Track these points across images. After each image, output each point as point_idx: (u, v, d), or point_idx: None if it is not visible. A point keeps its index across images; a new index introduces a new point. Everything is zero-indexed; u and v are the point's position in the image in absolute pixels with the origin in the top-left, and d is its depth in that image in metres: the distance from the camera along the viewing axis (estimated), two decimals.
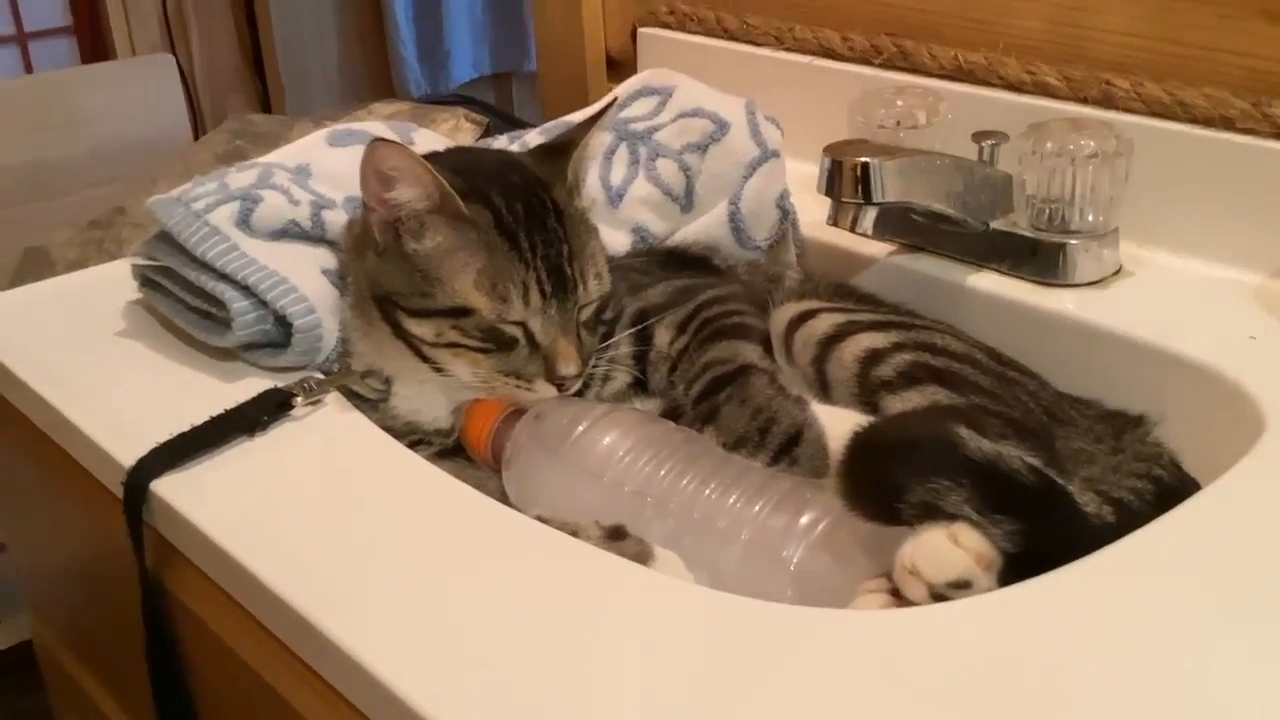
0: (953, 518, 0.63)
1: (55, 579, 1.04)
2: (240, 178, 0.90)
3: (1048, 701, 0.55)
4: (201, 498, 0.73)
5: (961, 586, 0.62)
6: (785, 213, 1.01)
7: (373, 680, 0.59)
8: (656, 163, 1.01)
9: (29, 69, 2.30)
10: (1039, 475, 0.64)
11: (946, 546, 0.62)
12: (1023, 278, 0.94)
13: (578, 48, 1.35)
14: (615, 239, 0.99)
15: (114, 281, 0.96)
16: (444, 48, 2.43)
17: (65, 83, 2.20)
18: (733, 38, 1.24)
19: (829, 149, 0.89)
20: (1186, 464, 0.78)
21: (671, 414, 0.83)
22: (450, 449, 0.84)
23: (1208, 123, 0.93)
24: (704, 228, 1.01)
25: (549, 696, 0.57)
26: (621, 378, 0.85)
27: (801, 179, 1.00)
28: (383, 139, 0.78)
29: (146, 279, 0.92)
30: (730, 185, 1.00)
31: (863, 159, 0.87)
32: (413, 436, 0.84)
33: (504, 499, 0.79)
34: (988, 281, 0.95)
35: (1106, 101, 0.97)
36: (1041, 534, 0.63)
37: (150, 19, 2.33)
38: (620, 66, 1.33)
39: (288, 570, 0.67)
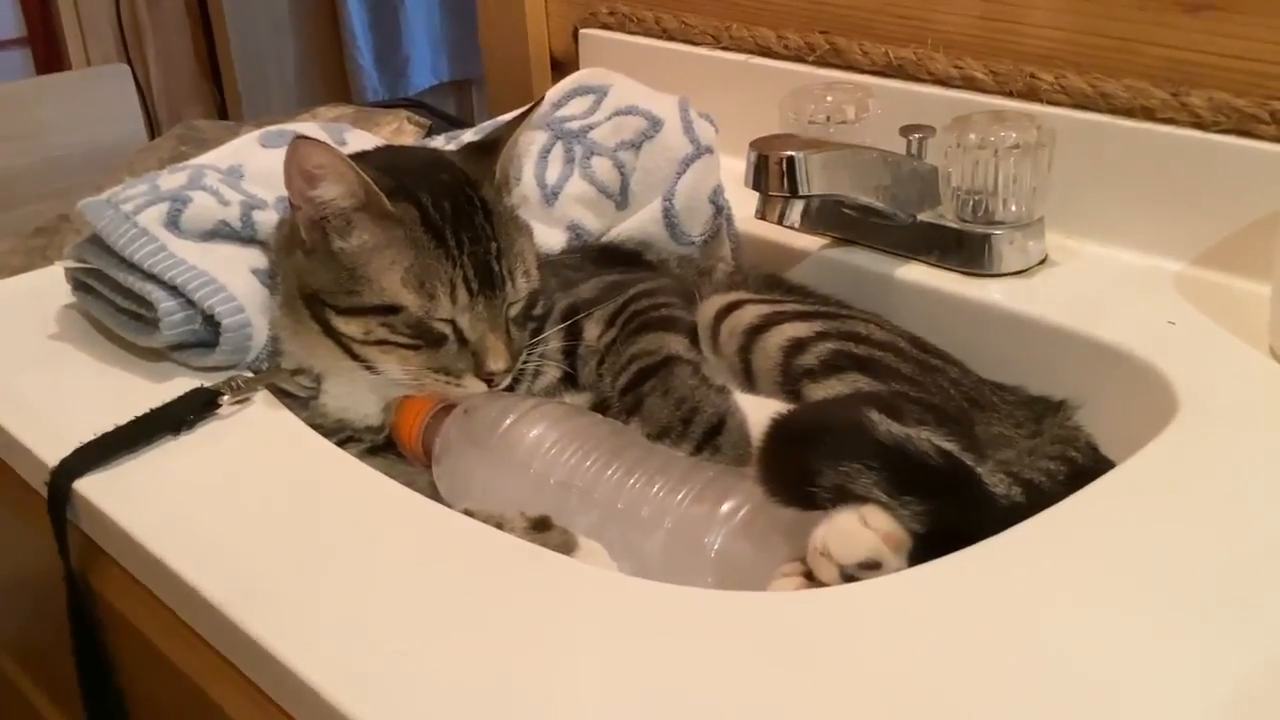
0: (865, 500, 0.64)
1: None
2: (171, 179, 0.90)
3: (953, 678, 0.56)
4: (126, 497, 0.73)
5: (871, 567, 0.62)
6: (719, 208, 1.02)
7: (294, 678, 0.59)
8: (591, 161, 1.02)
9: None
10: (947, 457, 0.65)
11: (856, 528, 0.63)
12: (950, 268, 0.95)
13: (521, 49, 1.36)
14: (551, 237, 0.99)
15: (48, 287, 0.96)
16: (402, 54, 2.44)
17: (20, 94, 2.20)
18: (671, 38, 1.25)
19: (755, 143, 0.90)
20: (1105, 447, 0.79)
21: (601, 407, 0.84)
22: (381, 445, 0.84)
23: (1129, 113, 0.94)
24: (639, 224, 1.01)
25: (472, 688, 0.57)
26: (552, 372, 0.86)
27: (738, 176, 1.00)
28: (305, 136, 0.78)
29: (79, 282, 0.92)
30: (664, 182, 1.01)
31: (788, 153, 0.88)
32: (343, 434, 0.84)
33: (435, 495, 0.79)
34: (916, 273, 0.96)
35: (1031, 94, 0.99)
36: (950, 514, 0.64)
37: (105, 30, 2.33)
38: (564, 67, 1.34)
39: (211, 569, 0.67)
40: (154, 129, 2.28)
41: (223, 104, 2.38)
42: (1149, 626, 0.58)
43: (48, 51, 2.32)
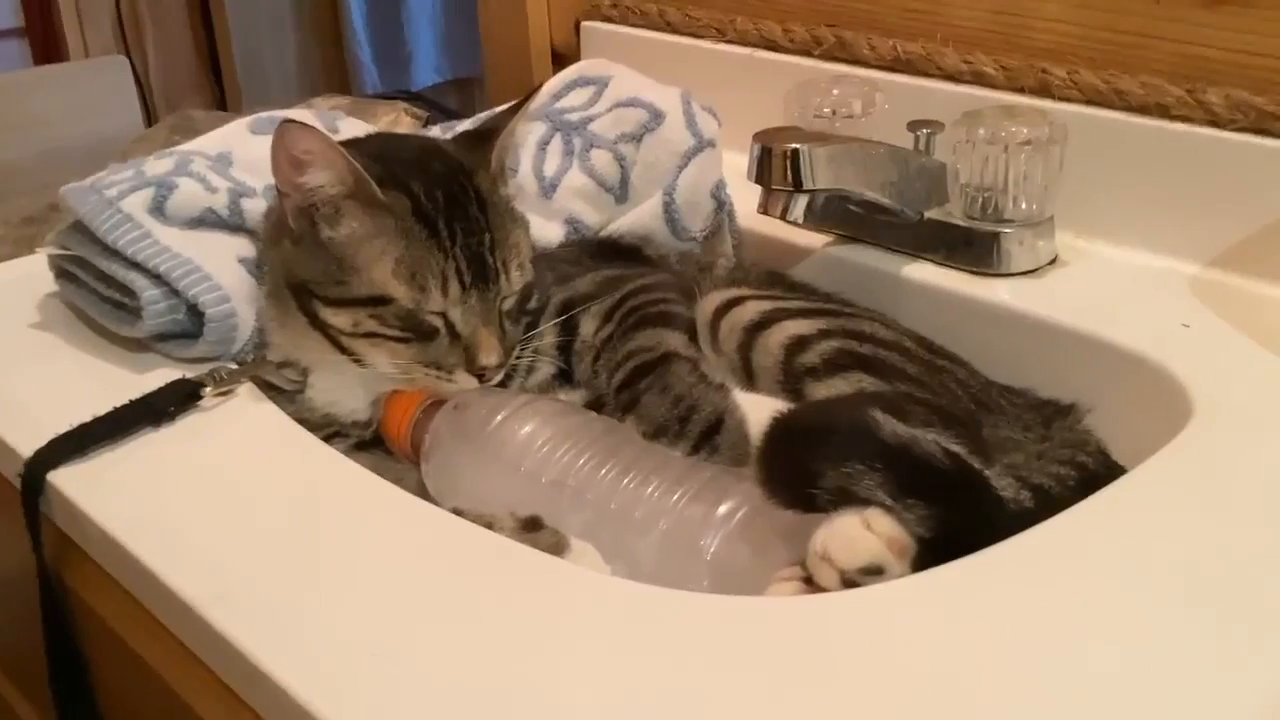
0: (867, 503, 0.61)
1: None
2: (157, 165, 0.88)
3: (957, 687, 0.53)
4: (101, 491, 0.71)
5: (873, 572, 0.60)
6: (721, 203, 1.00)
7: (269, 681, 0.56)
8: (591, 153, 0.99)
9: None
10: (954, 459, 0.63)
11: (859, 532, 0.61)
12: (957, 267, 0.93)
13: (522, 41, 1.33)
14: (548, 230, 0.97)
15: (32, 275, 0.94)
16: (405, 50, 2.42)
17: (17, 85, 2.18)
18: (675, 30, 1.23)
19: (759, 136, 0.87)
20: (1116, 452, 0.77)
21: (596, 405, 0.81)
22: (369, 441, 0.82)
23: (1143, 110, 0.92)
24: (638, 219, 0.99)
25: (455, 695, 0.55)
26: (546, 368, 0.84)
27: (740, 172, 0.98)
28: (293, 120, 0.76)
29: (62, 270, 0.89)
30: (665, 175, 0.99)
31: (792, 145, 0.86)
32: (330, 429, 0.82)
33: (424, 492, 0.77)
34: (923, 271, 0.94)
35: (1043, 90, 0.96)
36: (956, 519, 0.62)
37: (104, 21, 2.31)
38: (565, 60, 1.32)
39: (188, 566, 0.64)
40: (152, 121, 2.25)
41: (222, 97, 2.36)
42: (1164, 637, 0.56)
43: (46, 42, 2.30)
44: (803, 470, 0.63)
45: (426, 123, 1.40)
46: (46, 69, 2.28)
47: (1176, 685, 0.53)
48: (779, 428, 0.66)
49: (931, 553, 0.61)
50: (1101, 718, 0.51)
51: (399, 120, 1.37)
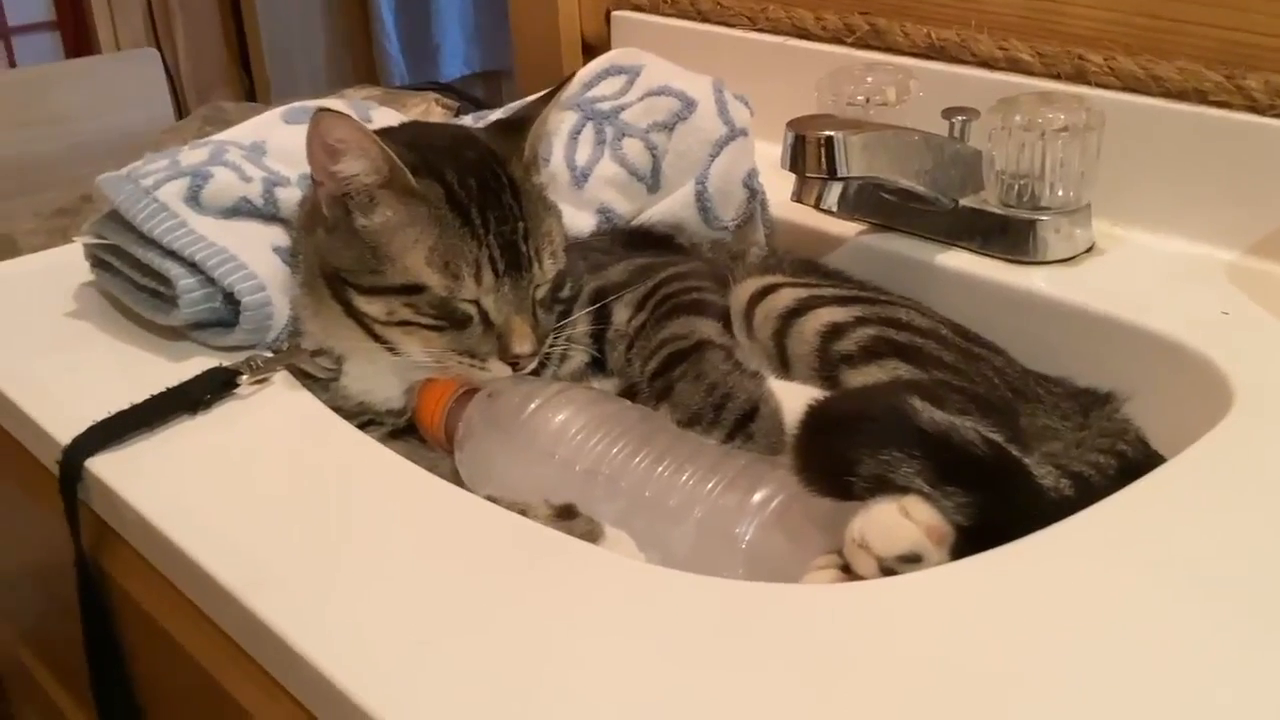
0: (905, 491, 0.61)
1: (8, 573, 1.02)
2: (192, 155, 0.88)
3: (997, 678, 0.53)
4: (139, 477, 0.71)
5: (911, 560, 0.60)
6: (753, 192, 0.99)
7: (308, 667, 0.57)
8: (623, 142, 0.99)
9: (12, 64, 2.29)
10: (993, 447, 0.62)
11: (896, 519, 0.60)
12: (993, 255, 0.92)
13: (553, 32, 1.33)
14: (580, 220, 0.97)
15: (67, 264, 0.94)
16: (433, 42, 2.42)
17: (49, 78, 2.20)
18: (706, 19, 1.22)
19: (793, 123, 0.87)
20: (1155, 441, 0.76)
21: (629, 393, 0.81)
22: (402, 429, 0.82)
23: (1181, 96, 0.90)
24: (670, 208, 0.99)
25: (493, 680, 0.54)
26: (579, 357, 0.83)
27: (772, 162, 0.97)
28: (328, 109, 0.76)
29: (97, 259, 0.90)
30: (697, 164, 0.98)
31: (827, 133, 0.85)
32: (364, 417, 0.82)
33: (457, 480, 0.77)
34: (958, 260, 0.93)
35: (1079, 77, 0.95)
36: (996, 507, 0.61)
37: (135, 14, 2.32)
38: (595, 51, 1.31)
39: (225, 553, 0.64)
40: (182, 113, 2.27)
41: (251, 89, 2.37)
42: (1209, 629, 0.55)
43: (77, 35, 2.32)
44: (839, 458, 0.63)
45: (457, 113, 1.40)
46: (77, 62, 2.30)
47: (1217, 677, 0.52)
48: (815, 415, 0.66)
49: (970, 541, 0.60)
50: (1141, 709, 0.51)
51: (430, 110, 1.37)
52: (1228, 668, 0.53)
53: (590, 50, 1.33)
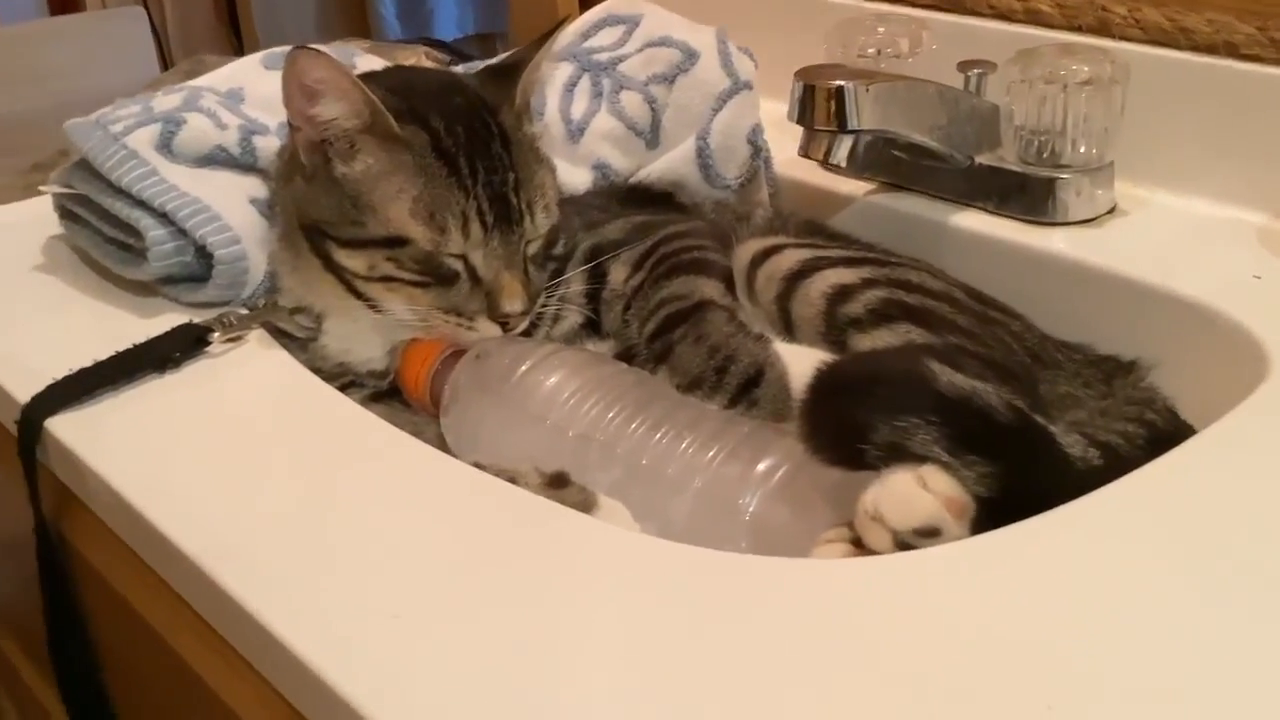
0: (922, 460, 0.57)
1: None
2: (165, 100, 0.84)
3: (1021, 661, 0.49)
4: (103, 440, 0.67)
5: (929, 534, 0.56)
6: (757, 149, 0.95)
7: (275, 643, 0.53)
8: (620, 95, 0.95)
9: None
10: (1017, 414, 0.58)
11: (913, 490, 0.56)
12: (1010, 216, 0.88)
13: None
14: (575, 176, 0.93)
15: (36, 217, 0.91)
16: (427, 5, 2.37)
17: (33, 36, 2.16)
18: None
19: (801, 73, 0.82)
20: (1184, 410, 0.72)
21: (625, 356, 0.77)
22: (385, 392, 0.78)
23: (1210, 50, 0.86)
24: (670, 164, 0.94)
25: (476, 658, 0.51)
26: (573, 317, 0.79)
27: (778, 119, 0.93)
28: (305, 47, 0.71)
29: (66, 210, 0.85)
30: (699, 119, 0.94)
31: (837, 82, 0.80)
32: (344, 378, 0.78)
33: (442, 446, 0.73)
34: (973, 220, 0.89)
35: (1103, 29, 0.91)
36: (1020, 477, 0.57)
37: None
38: (593, 4, 1.27)
39: (191, 520, 0.61)
40: None
41: (240, 48, 2.32)
42: (1245, 606, 0.51)
43: None
44: (851, 424, 0.59)
45: (449, 65, 1.35)
46: (63, 19, 2.26)
47: (1249, 655, 0.48)
48: (825, 379, 0.62)
49: (992, 513, 0.56)
50: (1176, 693, 0.47)
51: (420, 62, 1.32)
52: (1266, 651, 0.49)
53: (589, 5, 1.28)
